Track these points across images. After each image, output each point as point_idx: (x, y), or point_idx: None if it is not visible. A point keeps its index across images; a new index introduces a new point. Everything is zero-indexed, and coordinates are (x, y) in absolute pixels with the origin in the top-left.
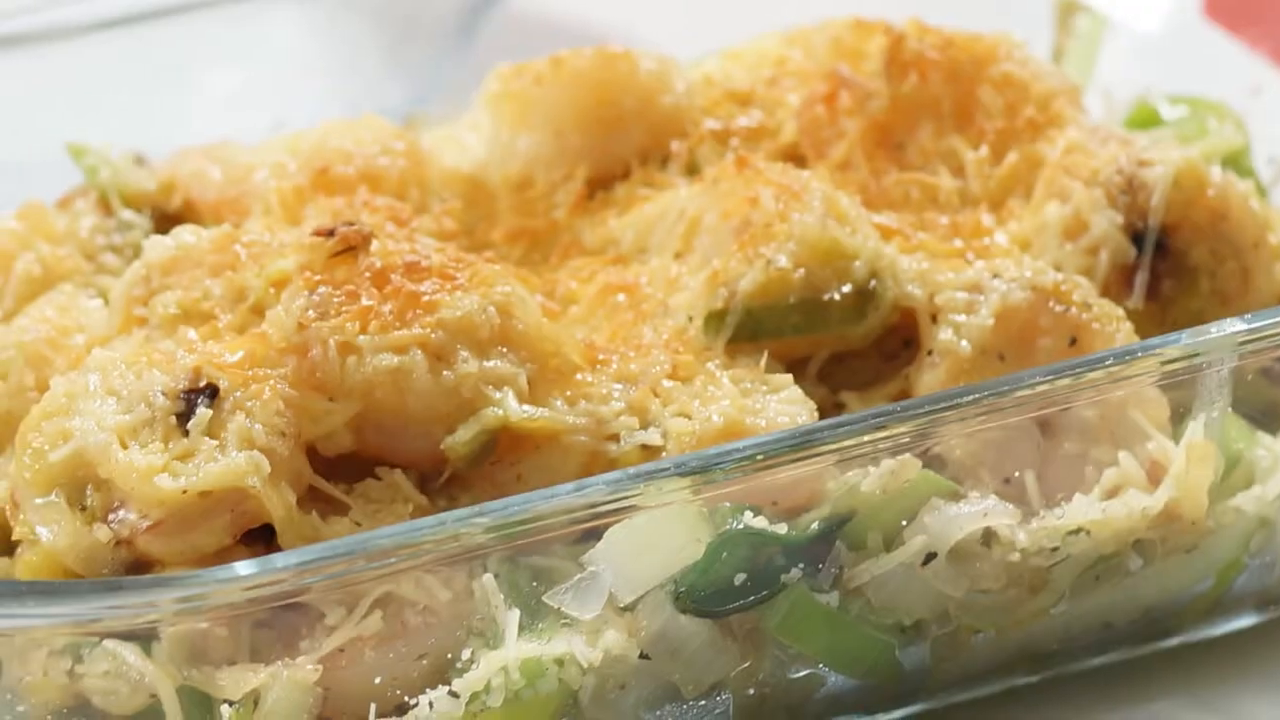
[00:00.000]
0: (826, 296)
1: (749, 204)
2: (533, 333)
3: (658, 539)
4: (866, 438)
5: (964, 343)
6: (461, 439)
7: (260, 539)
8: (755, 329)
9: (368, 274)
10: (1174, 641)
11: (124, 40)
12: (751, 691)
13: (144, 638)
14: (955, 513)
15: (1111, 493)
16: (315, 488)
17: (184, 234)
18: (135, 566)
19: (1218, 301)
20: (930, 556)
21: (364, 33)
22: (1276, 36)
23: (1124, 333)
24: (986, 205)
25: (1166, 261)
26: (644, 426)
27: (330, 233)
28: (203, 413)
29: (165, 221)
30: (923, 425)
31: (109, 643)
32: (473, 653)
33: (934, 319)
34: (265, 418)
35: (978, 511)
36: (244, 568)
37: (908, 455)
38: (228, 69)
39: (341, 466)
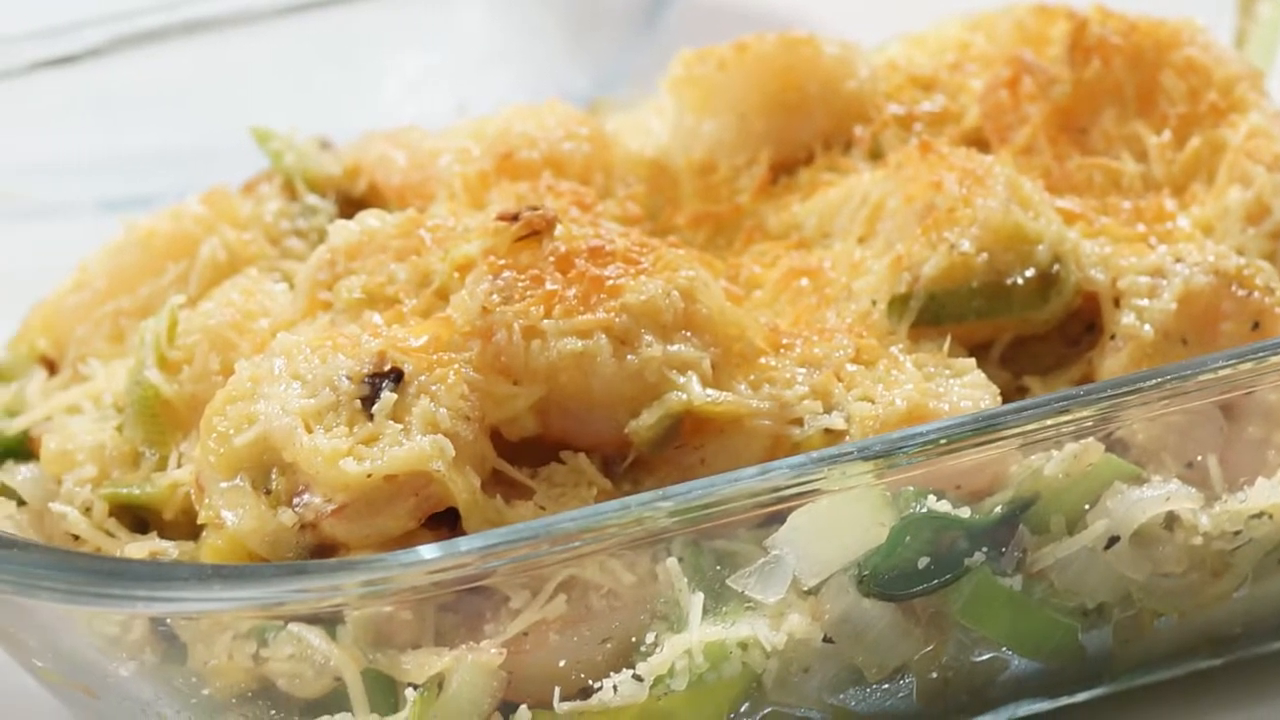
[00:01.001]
0: (1010, 281)
1: (933, 188)
2: (716, 317)
3: (841, 523)
4: (1050, 422)
5: (1147, 327)
6: (645, 423)
7: (444, 523)
8: (938, 313)
9: (552, 258)
10: None
11: (310, 25)
12: (934, 675)
13: (329, 621)
14: (1138, 497)
15: None
16: (499, 471)
17: (369, 218)
18: (320, 550)
19: None
20: (1113, 540)
21: (549, 19)
22: None
23: None
24: (1169, 190)
25: None
26: (827, 410)
27: (515, 217)
28: (387, 397)
29: (350, 206)
30: (1106, 409)
31: (294, 626)
32: (657, 636)
33: (1116, 303)
34: (450, 401)
35: (1160, 495)
36: (428, 551)
37: (1091, 439)
38: (413, 54)
39: (525, 450)
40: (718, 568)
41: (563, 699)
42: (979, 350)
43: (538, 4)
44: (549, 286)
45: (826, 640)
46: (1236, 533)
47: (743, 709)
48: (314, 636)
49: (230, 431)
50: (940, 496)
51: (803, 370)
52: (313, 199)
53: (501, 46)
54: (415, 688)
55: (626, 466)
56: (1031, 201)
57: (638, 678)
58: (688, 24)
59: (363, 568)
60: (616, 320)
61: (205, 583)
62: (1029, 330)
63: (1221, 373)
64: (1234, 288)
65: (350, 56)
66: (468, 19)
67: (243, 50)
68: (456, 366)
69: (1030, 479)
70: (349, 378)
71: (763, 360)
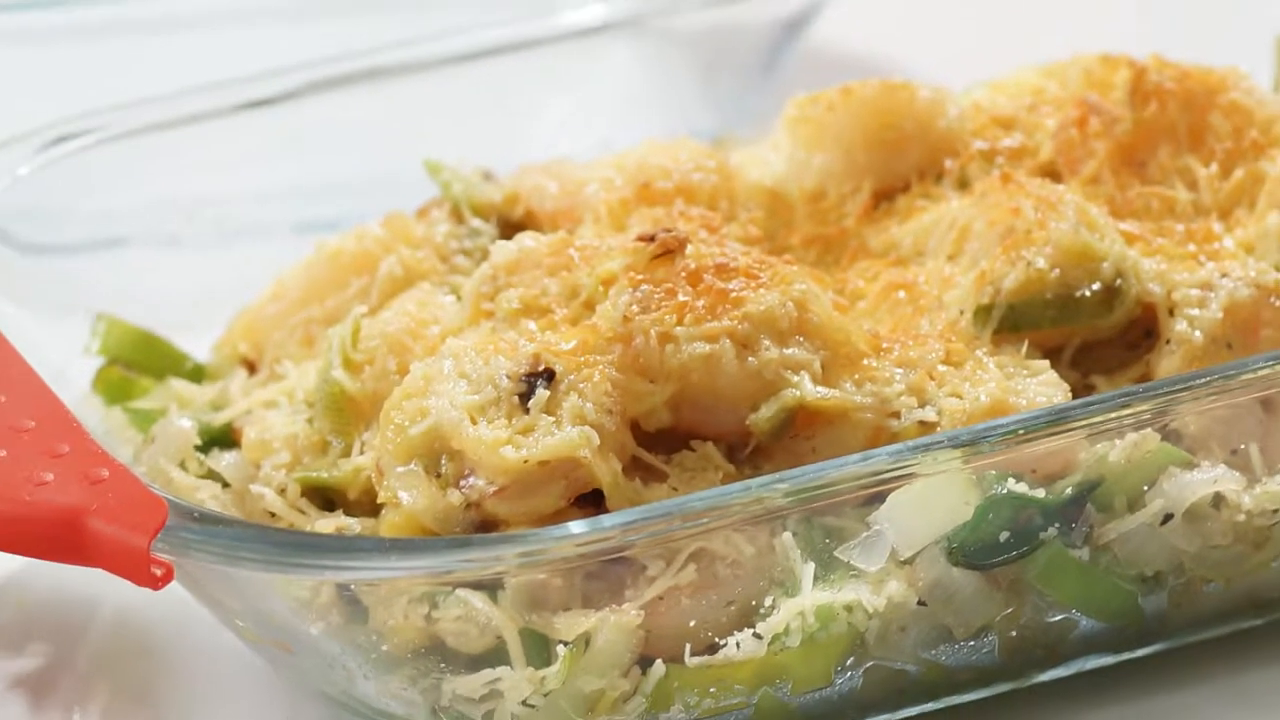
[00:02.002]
0: (1079, 293)
1: (1012, 214)
2: (825, 324)
3: (933, 502)
4: (1113, 415)
5: (1197, 333)
6: (764, 416)
7: (590, 502)
8: (1017, 321)
9: (683, 274)
10: None
11: (475, 72)
12: (1013, 633)
13: (490, 587)
14: (1189, 479)
15: None
16: (637, 458)
17: (525, 239)
18: (482, 526)
19: None
20: (1168, 517)
21: (680, 66)
22: None
23: None
24: (1216, 215)
25: None
26: (921, 405)
27: (651, 238)
28: (541, 393)
29: (509, 228)
30: (1161, 404)
31: (461, 592)
32: (773, 600)
33: (1171, 312)
34: (595, 397)
35: (1209, 478)
36: (577, 527)
37: (1148, 430)
38: (564, 97)
39: (660, 439)
40: (826, 541)
41: (692, 654)
42: (1052, 353)
43: (671, 54)
44: (681, 298)
45: (920, 604)
46: (1275, 510)
47: (848, 663)
48: (478, 600)
49: (406, 423)
50: (1019, 479)
51: (900, 371)
52: (477, 223)
53: (640, 90)
54: (565, 644)
55: (748, 453)
56: (1097, 225)
57: (757, 636)
58: (800, 71)
59: (520, 541)
60: (739, 327)
61: (384, 554)
62: (1095, 336)
63: (1261, 373)
64: (1272, 299)
65: (510, 99)
66: (611, 67)
67: (417, 93)
68: (601, 367)
69: (1096, 464)
70: (508, 377)
71: (865, 362)
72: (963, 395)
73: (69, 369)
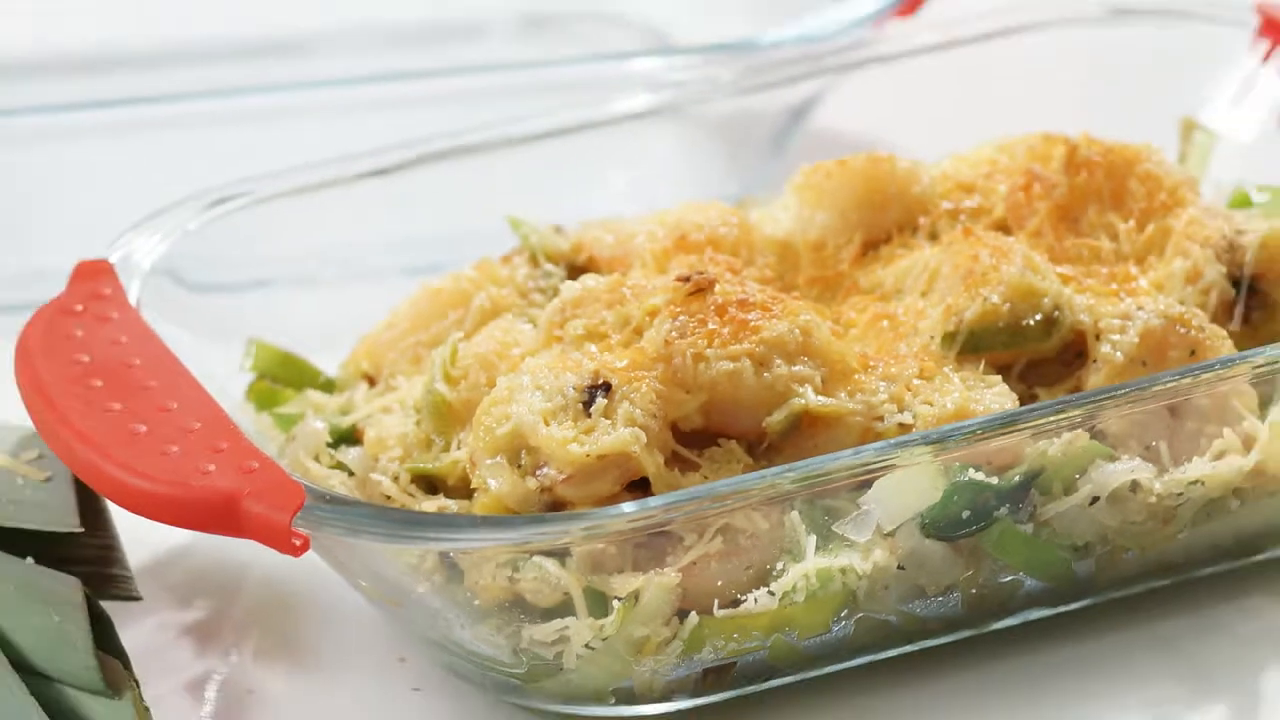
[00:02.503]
0: (1025, 322)
1: (972, 260)
2: (825, 347)
3: (909, 487)
4: (1051, 418)
5: (1118, 354)
6: (776, 419)
7: (639, 487)
8: (975, 344)
9: (712, 307)
10: (1261, 556)
11: (549, 147)
12: (973, 591)
13: (560, 554)
14: (1112, 469)
15: (1218, 456)
16: (676, 452)
17: (588, 280)
18: (553, 506)
19: None
20: (1095, 499)
21: (710, 144)
22: None
23: (1227, 347)
24: (1133, 260)
25: (1255, 298)
26: (900, 411)
27: (687, 279)
28: (600, 401)
29: (575, 271)
30: (1090, 410)
31: (537, 558)
32: (783, 565)
33: (1097, 338)
34: (643, 405)
35: (1127, 469)
36: (628, 507)
37: (1080, 430)
38: (619, 169)
39: (694, 438)
40: (825, 518)
41: (719, 608)
42: (1003, 370)
43: (703, 134)
44: (710, 326)
45: (900, 568)
46: (1179, 494)
47: (842, 614)
48: (550, 565)
49: (493, 425)
50: (977, 469)
51: (883, 384)
52: (549, 267)
53: (678, 163)
54: (619, 600)
55: (763, 449)
56: (1039, 268)
57: (771, 593)
58: (805, 147)
59: (583, 518)
60: (757, 349)
61: (476, 528)
62: (1037, 356)
63: (1169, 385)
64: (1178, 327)
65: (575, 169)
66: (657, 147)
67: (502, 165)
68: (647, 381)
69: (1038, 457)
70: (574, 388)
71: (856, 377)
72: (933, 403)
73: (228, 383)
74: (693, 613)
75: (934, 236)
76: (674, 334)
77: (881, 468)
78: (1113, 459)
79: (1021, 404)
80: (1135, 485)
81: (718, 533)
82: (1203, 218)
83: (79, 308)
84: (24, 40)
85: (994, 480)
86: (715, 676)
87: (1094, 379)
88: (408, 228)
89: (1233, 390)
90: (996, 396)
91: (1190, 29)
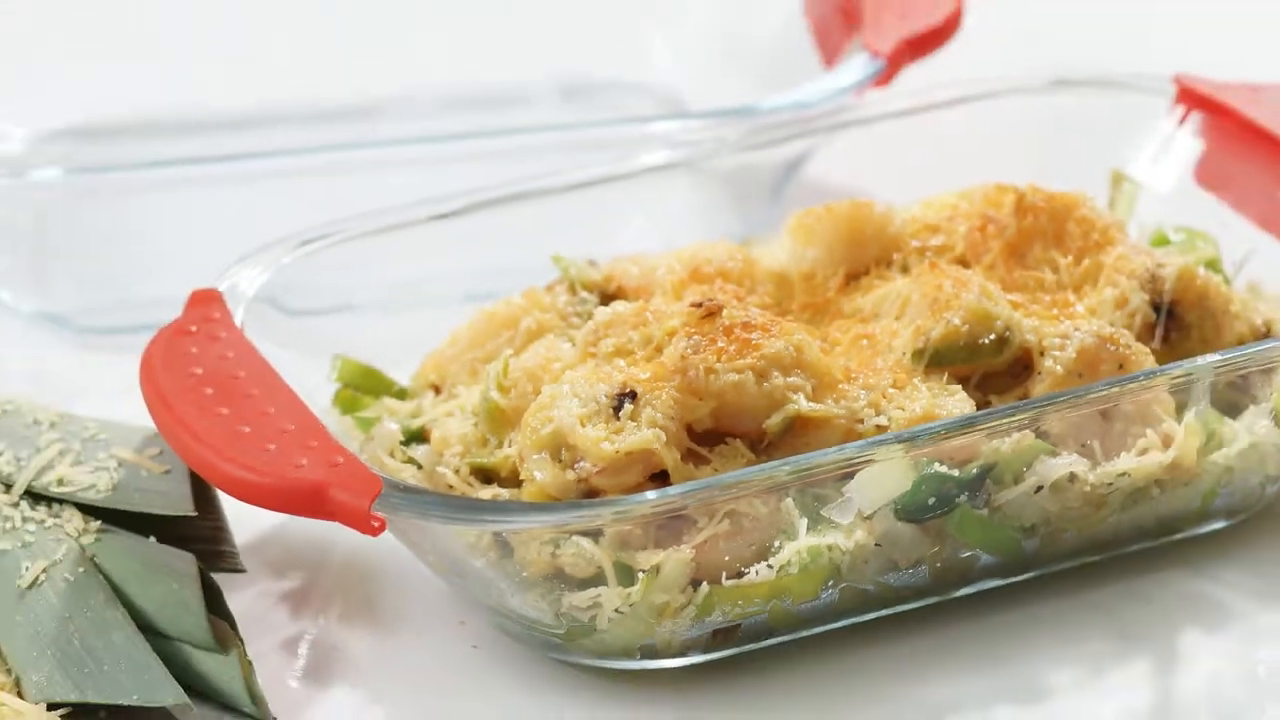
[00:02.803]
0: (981, 341)
1: (937, 289)
2: (814, 362)
3: (885, 478)
4: (1003, 421)
5: (1059, 367)
6: (774, 422)
7: (660, 478)
8: (940, 359)
9: (721, 328)
10: (1178, 536)
11: (585, 195)
12: (938, 565)
13: (594, 534)
14: (1053, 463)
15: (1142, 452)
16: (691, 449)
17: (617, 306)
18: (589, 494)
19: (1203, 344)
20: (1039, 488)
21: (721, 194)
22: (1234, 191)
23: (1149, 362)
24: (1071, 290)
25: (1173, 321)
26: (878, 414)
27: (700, 305)
28: (628, 407)
29: (606, 298)
30: (1035, 414)
31: (575, 537)
32: (780, 543)
33: (1041, 354)
34: (663, 410)
35: (1066, 463)
36: (651, 495)
37: (1027, 430)
38: (641, 216)
39: (705, 437)
40: (815, 504)
41: (727, 579)
42: (963, 381)
43: (713, 184)
44: (719, 344)
45: (877, 545)
46: (1109, 484)
47: (829, 584)
48: (586, 543)
49: (538, 427)
50: (942, 463)
51: (863, 392)
52: (585, 295)
53: (692, 208)
54: (643, 572)
55: (763, 447)
56: (993, 296)
57: (769, 566)
58: (798, 195)
59: (614, 504)
60: (758, 363)
61: (525, 512)
62: (991, 369)
63: (1100, 393)
64: (1108, 345)
65: (606, 213)
66: (674, 195)
67: (545, 210)
68: (667, 390)
69: (992, 453)
70: (606, 396)
71: (840, 386)
72: (905, 408)
73: (316, 392)
74: (704, 583)
75: (905, 269)
76: (689, 351)
77: (862, 462)
78: (1054, 454)
79: (978, 409)
80: (1073, 476)
81: (725, 516)
82: (1129, 254)
83: (193, 329)
84: (154, 105)
85: (955, 472)
86: (723, 636)
87: (1038, 388)
88: (467, 262)
89: (1154, 398)
90: (958, 403)
91: (1119, 97)
